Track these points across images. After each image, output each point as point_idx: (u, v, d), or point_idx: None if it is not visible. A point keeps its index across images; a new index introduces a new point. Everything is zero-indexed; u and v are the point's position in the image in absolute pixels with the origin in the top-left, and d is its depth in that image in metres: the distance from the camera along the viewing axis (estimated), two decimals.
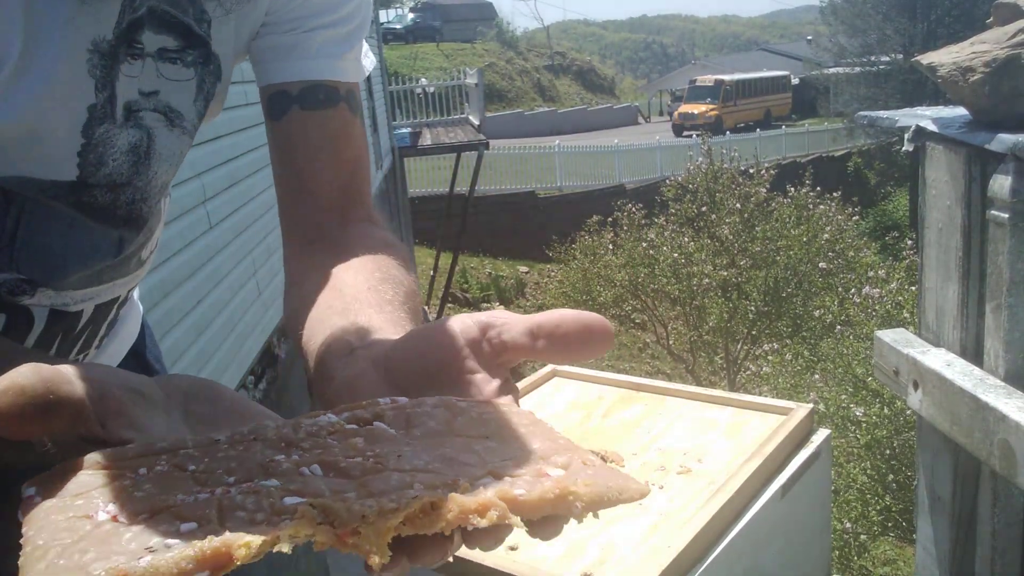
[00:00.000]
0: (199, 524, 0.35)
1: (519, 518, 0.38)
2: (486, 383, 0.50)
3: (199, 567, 0.32)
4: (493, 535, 0.39)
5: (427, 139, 12.58)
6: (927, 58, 1.77)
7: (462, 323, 0.50)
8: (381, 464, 0.41)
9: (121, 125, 0.63)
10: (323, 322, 0.60)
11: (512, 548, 1.14)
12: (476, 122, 13.72)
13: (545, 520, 0.40)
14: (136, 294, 0.92)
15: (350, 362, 0.53)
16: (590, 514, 0.41)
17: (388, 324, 0.58)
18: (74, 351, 0.74)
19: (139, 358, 0.92)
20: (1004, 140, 1.59)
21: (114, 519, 0.35)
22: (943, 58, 1.71)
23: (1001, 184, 1.61)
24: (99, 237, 0.67)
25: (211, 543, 0.33)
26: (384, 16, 37.53)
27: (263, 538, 0.33)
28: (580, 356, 0.48)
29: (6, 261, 0.63)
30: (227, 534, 0.33)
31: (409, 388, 0.50)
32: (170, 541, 0.33)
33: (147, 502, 0.37)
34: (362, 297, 0.62)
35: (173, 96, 0.67)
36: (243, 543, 0.33)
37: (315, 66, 0.74)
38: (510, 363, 0.51)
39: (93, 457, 0.40)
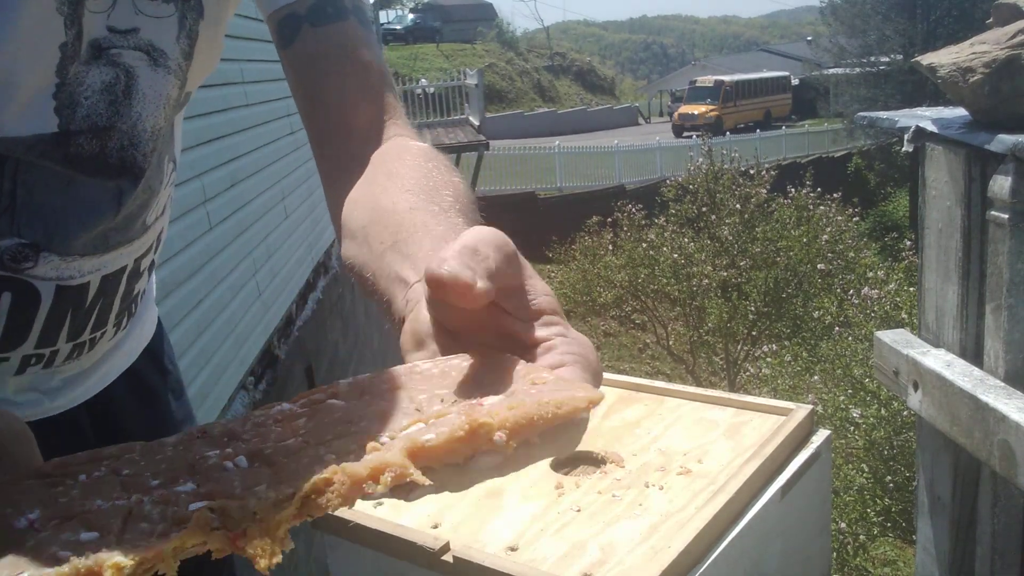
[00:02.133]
0: (101, 534, 0.34)
1: (419, 472, 0.35)
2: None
3: None
4: (403, 490, 0.37)
5: (427, 140, 12.54)
6: (927, 59, 1.77)
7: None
8: (307, 442, 0.39)
9: (87, 63, 0.61)
10: (379, 260, 0.56)
11: (512, 549, 1.14)
12: (476, 123, 13.73)
13: (471, 459, 0.37)
14: (153, 289, 0.92)
15: (410, 301, 0.50)
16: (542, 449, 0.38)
17: (439, 241, 0.54)
18: (87, 329, 0.73)
19: (154, 357, 0.92)
20: (1004, 140, 1.59)
21: (31, 524, 0.36)
22: (943, 59, 1.71)
23: (1001, 185, 1.61)
24: (97, 192, 0.65)
25: (83, 562, 0.32)
26: (384, 17, 37.56)
27: (132, 561, 0.32)
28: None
29: (7, 224, 0.62)
30: (101, 553, 0.33)
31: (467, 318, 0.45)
32: (62, 554, 0.33)
33: (65, 508, 0.37)
34: (407, 221, 0.57)
35: (154, 33, 0.64)
36: (112, 564, 0.32)
37: None
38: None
39: (41, 466, 0.41)
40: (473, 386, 0.41)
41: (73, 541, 0.34)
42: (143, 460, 0.40)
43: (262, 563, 0.33)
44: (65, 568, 0.32)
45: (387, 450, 0.36)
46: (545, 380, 0.40)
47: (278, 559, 0.34)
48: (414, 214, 0.57)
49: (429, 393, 0.42)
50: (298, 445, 0.39)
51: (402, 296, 0.52)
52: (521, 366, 0.42)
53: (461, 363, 0.44)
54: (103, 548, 0.33)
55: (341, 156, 0.70)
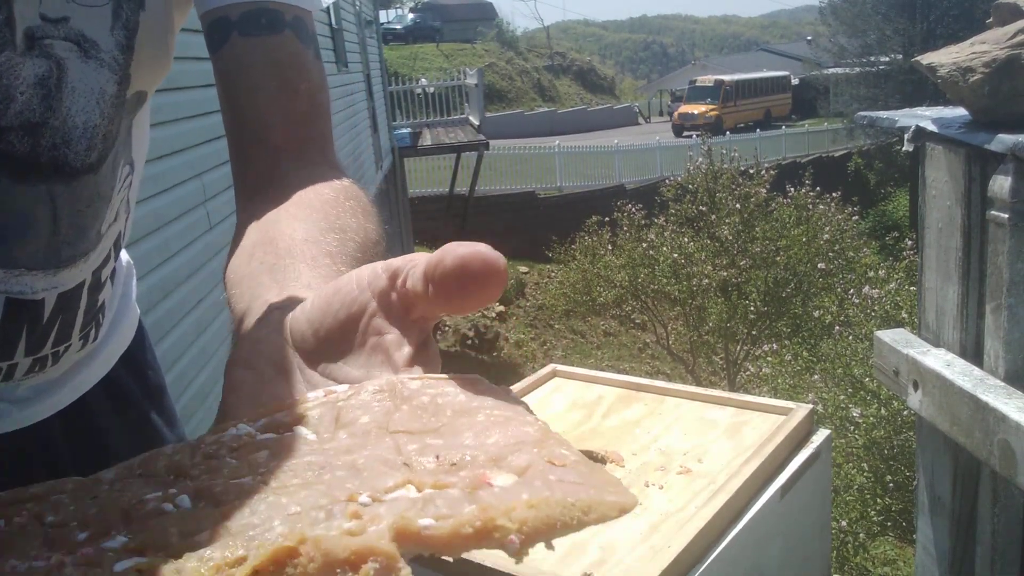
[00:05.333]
0: None
1: (406, 566, 0.28)
2: (397, 348, 0.41)
3: None
4: None
5: (427, 139, 12.59)
6: (927, 58, 1.77)
7: (372, 271, 0.42)
8: (265, 483, 0.33)
9: (23, 53, 0.56)
10: (252, 279, 0.53)
11: None
12: (476, 122, 13.73)
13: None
14: (132, 292, 0.89)
15: (261, 326, 0.46)
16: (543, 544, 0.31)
17: (320, 280, 0.50)
18: (48, 344, 0.69)
19: (134, 364, 0.87)
20: (1004, 140, 1.59)
21: None
22: (943, 58, 1.71)
23: (1001, 184, 1.61)
24: (27, 197, 0.60)
25: None
26: (384, 16, 37.51)
27: None
28: (463, 305, 0.39)
29: None
30: None
31: (322, 353, 0.42)
32: None
33: None
34: (296, 249, 0.54)
35: (85, 23, 0.60)
36: None
37: None
38: (425, 320, 0.42)
39: None
40: (472, 435, 0.35)
41: None
42: (72, 504, 0.34)
43: None
44: None
45: (371, 522, 0.29)
46: (565, 461, 0.33)
47: None
48: (306, 246, 0.54)
49: (420, 443, 0.35)
50: (255, 486, 0.33)
51: (254, 316, 0.48)
52: (530, 421, 0.36)
53: (455, 394, 0.38)
54: None
55: (252, 174, 0.67)
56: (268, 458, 0.35)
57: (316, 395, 0.39)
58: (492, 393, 0.38)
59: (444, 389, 0.38)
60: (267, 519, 0.30)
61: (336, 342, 0.42)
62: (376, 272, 0.41)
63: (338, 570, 0.28)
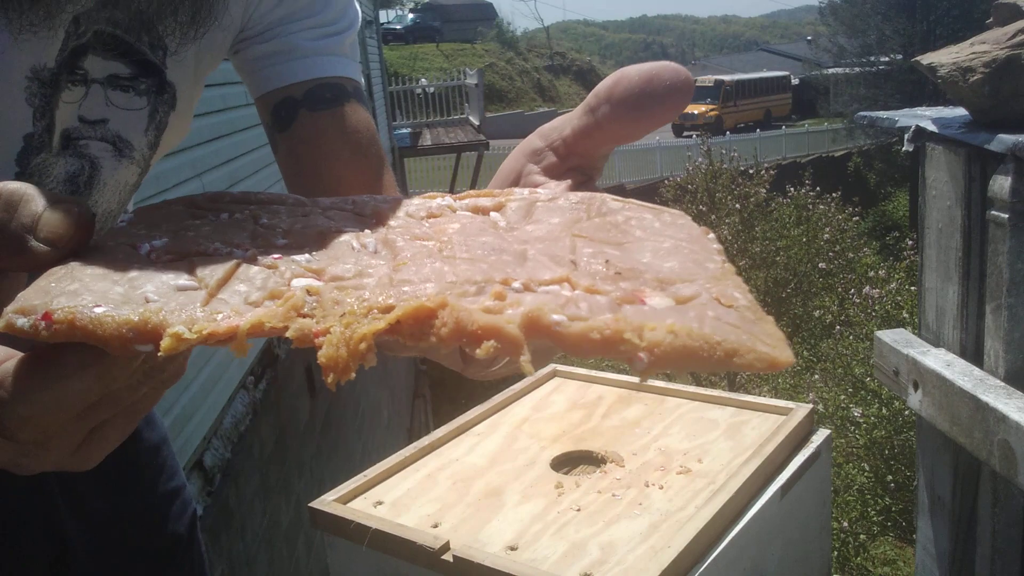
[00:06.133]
0: (198, 284, 0.34)
1: (528, 355, 0.29)
2: (555, 187, 0.43)
3: (138, 337, 0.31)
4: (488, 363, 0.34)
5: (427, 139, 12.58)
6: (927, 58, 1.77)
7: (528, 139, 0.45)
8: (440, 250, 0.36)
9: (58, 154, 0.60)
10: None
11: (512, 548, 1.14)
12: (476, 122, 13.72)
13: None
14: None
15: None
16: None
17: None
18: None
19: None
20: (1004, 140, 1.59)
21: (150, 252, 0.36)
22: (943, 58, 1.71)
23: (1001, 184, 1.61)
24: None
25: (155, 317, 0.31)
26: (384, 16, 37.50)
27: (194, 336, 0.31)
28: (654, 116, 0.39)
29: None
30: (170, 317, 0.31)
31: None
32: (152, 296, 0.32)
33: (186, 243, 0.36)
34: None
35: (123, 125, 0.63)
36: (173, 332, 0.31)
37: (316, 64, 0.70)
38: (590, 156, 0.43)
39: (195, 197, 0.41)
40: (651, 255, 0.35)
41: (170, 284, 0.33)
42: (287, 214, 0.39)
43: (330, 378, 0.30)
44: (134, 317, 0.31)
45: (510, 305, 0.31)
46: (733, 303, 0.33)
47: (350, 376, 0.30)
48: None
49: (597, 248, 0.36)
50: (430, 250, 0.36)
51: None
52: (716, 260, 0.36)
53: (651, 221, 0.38)
54: (190, 302, 0.32)
55: None
56: (454, 232, 0.37)
57: (522, 192, 0.42)
58: (689, 230, 0.38)
59: (643, 215, 0.39)
60: (425, 279, 0.33)
61: None
62: (530, 138, 0.44)
63: (463, 338, 0.30)
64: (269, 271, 0.35)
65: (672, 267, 0.34)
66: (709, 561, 1.12)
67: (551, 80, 36.49)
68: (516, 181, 0.45)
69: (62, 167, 0.60)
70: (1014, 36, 1.63)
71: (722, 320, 0.31)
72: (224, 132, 3.46)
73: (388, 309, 0.31)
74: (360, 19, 0.79)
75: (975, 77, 1.64)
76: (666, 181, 10.92)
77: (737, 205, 9.31)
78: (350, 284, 0.33)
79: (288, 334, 0.31)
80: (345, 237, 0.37)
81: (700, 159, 10.10)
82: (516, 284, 0.32)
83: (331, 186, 0.71)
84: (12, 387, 0.33)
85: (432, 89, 14.91)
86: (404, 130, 12.84)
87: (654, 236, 0.37)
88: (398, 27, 36.34)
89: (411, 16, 38.47)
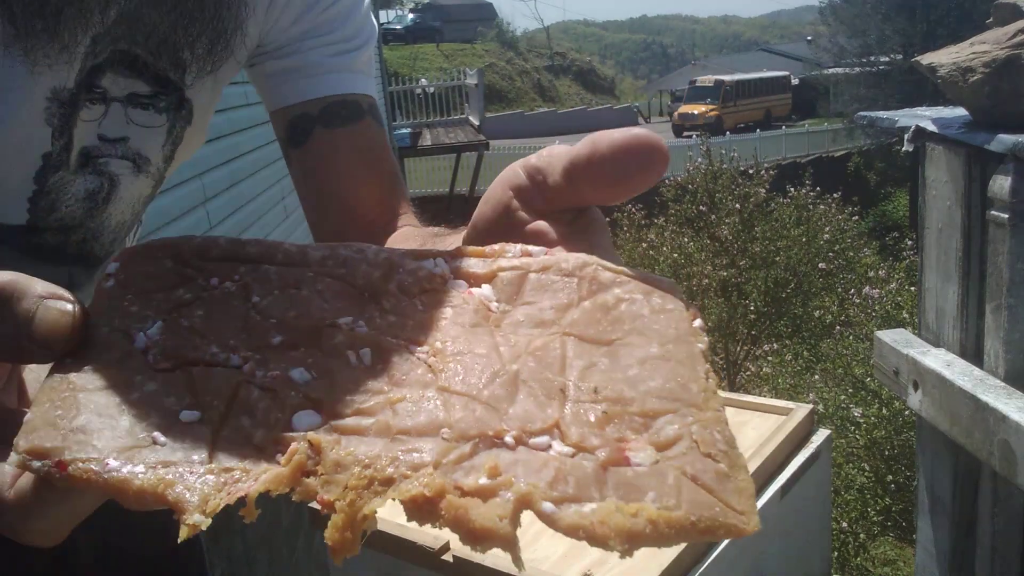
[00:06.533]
0: (202, 414, 0.34)
1: (519, 554, 0.31)
2: (544, 234, 0.42)
3: (155, 501, 0.32)
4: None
5: (427, 139, 12.58)
6: (927, 58, 1.77)
7: (511, 169, 0.43)
8: (433, 374, 0.36)
9: (76, 171, 0.60)
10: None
11: None
12: (476, 122, 13.72)
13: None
14: None
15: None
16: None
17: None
18: None
19: None
20: (1004, 140, 1.59)
21: (145, 352, 0.36)
22: (943, 58, 1.71)
23: (1001, 184, 1.61)
24: (49, 276, 0.64)
25: (172, 493, 0.32)
26: (384, 16, 37.54)
27: (207, 520, 0.32)
28: (629, 187, 0.38)
29: None
30: (185, 494, 0.32)
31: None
32: (160, 438, 0.33)
33: (180, 343, 0.36)
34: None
35: (142, 142, 0.64)
36: (191, 524, 0.31)
37: (332, 81, 0.70)
38: (570, 210, 0.42)
39: (183, 242, 0.40)
40: (638, 368, 0.36)
41: (171, 422, 0.34)
42: (277, 287, 0.38)
43: (337, 558, 0.31)
44: (150, 486, 0.32)
45: (503, 486, 0.32)
46: (712, 451, 0.34)
47: (355, 552, 0.31)
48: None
49: (587, 360, 0.36)
50: (426, 381, 0.36)
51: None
52: (700, 376, 0.36)
53: (641, 304, 0.38)
54: (196, 443, 0.33)
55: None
56: (448, 323, 0.38)
57: (514, 251, 0.41)
58: (677, 322, 0.38)
59: (634, 295, 0.38)
60: (422, 432, 0.34)
61: (496, 238, 0.43)
62: (515, 169, 0.42)
63: (462, 532, 0.31)
64: (269, 398, 0.35)
65: (659, 387, 0.35)
66: (709, 561, 1.12)
67: (551, 80, 36.49)
68: (502, 213, 0.43)
69: (80, 185, 0.61)
70: (1014, 36, 1.63)
71: (700, 481, 0.33)
72: (224, 132, 3.46)
73: (388, 481, 0.32)
74: (376, 33, 0.78)
75: (975, 77, 1.64)
76: (666, 181, 10.92)
77: (737, 205, 9.30)
78: (350, 426, 0.34)
79: (295, 498, 0.33)
80: (340, 339, 0.37)
81: (700, 159, 10.10)
82: (508, 438, 0.34)
83: (345, 203, 0.71)
84: (31, 503, 0.35)
85: (432, 89, 14.90)
86: (404, 130, 12.84)
87: (643, 334, 0.37)
88: (398, 27, 36.35)
89: (411, 16, 38.49)
